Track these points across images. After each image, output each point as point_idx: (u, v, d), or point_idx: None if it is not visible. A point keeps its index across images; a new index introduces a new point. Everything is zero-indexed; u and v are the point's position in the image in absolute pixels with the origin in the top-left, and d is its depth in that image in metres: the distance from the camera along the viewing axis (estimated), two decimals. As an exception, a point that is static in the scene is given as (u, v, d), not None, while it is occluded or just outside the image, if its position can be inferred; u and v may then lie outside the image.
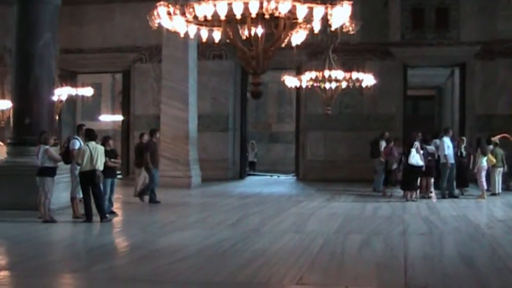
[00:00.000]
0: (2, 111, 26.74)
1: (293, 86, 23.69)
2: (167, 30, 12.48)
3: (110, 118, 37.70)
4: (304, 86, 22.65)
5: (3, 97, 26.24)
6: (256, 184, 25.58)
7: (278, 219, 15.50)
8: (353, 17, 12.04)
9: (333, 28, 11.84)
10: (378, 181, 21.65)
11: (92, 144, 14.63)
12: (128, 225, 14.98)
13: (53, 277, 9.41)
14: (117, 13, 28.37)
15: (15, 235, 12.91)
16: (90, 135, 14.98)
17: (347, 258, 10.71)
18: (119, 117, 33.18)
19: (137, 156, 19.19)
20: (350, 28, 12.15)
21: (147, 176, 18.38)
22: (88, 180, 14.59)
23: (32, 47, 17.09)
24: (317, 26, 11.73)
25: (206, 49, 25.35)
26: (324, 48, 21.82)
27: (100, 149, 14.76)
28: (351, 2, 11.57)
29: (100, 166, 14.59)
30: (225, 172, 26.62)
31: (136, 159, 19.46)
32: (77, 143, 15.26)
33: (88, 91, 28.05)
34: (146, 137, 19.00)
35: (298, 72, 24.58)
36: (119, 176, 18.55)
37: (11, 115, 18.70)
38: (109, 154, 15.46)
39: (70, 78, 28.43)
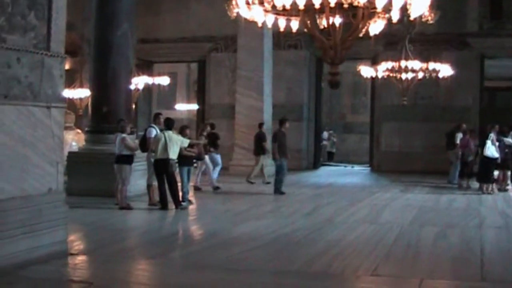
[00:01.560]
0: (81, 99, 27.20)
1: (368, 77, 23.53)
2: (245, 19, 12.51)
3: (185, 107, 37.99)
4: (380, 76, 22.47)
5: (82, 86, 26.70)
6: (330, 174, 25.51)
7: (352, 209, 15.44)
8: (432, 6, 11.88)
9: (412, 18, 11.71)
10: (453, 173, 21.35)
11: (169, 133, 14.78)
12: (202, 213, 15.10)
13: (130, 263, 9.54)
14: (193, 3, 28.52)
15: (93, 221, 13.13)
16: (168, 124, 15.14)
17: (422, 250, 10.61)
18: (194, 106, 33.41)
19: (255, 145, 20.46)
20: (429, 18, 12.00)
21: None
22: (161, 168, 14.74)
23: (110, 37, 17.31)
24: (395, 16, 11.60)
25: (281, 39, 25.36)
26: (400, 38, 21.59)
27: (176, 138, 14.89)
28: (431, -9, 11.44)
29: (173, 155, 14.73)
30: (299, 162, 26.55)
31: (255, 147, 20.67)
32: (153, 131, 15.42)
33: (164, 80, 28.31)
34: (265, 127, 20.63)
35: (374, 62, 24.42)
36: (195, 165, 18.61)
37: (89, 103, 19.00)
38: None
39: (146, 68, 28.78)
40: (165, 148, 14.58)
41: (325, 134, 33.54)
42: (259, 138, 20.73)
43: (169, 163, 14.63)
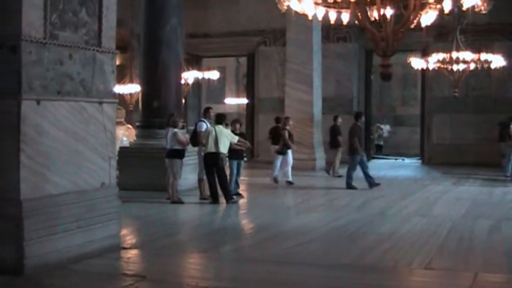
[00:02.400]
0: (131, 94, 27.39)
1: (419, 68, 23.33)
2: (295, 12, 12.49)
3: (234, 101, 38.11)
4: (431, 68, 22.26)
5: (132, 81, 26.88)
6: (381, 167, 25.35)
7: (404, 202, 15.33)
8: (485, -4, 11.75)
9: (464, 8, 11.57)
10: (506, 166, 21.06)
11: (219, 127, 14.81)
12: (253, 207, 15.10)
13: (182, 256, 9.60)
14: (242, -3, 28.59)
15: (145, 215, 13.23)
16: (218, 119, 15.17)
17: (476, 244, 10.49)
18: (243, 100, 33.48)
19: (332, 138, 20.90)
20: (482, 8, 11.85)
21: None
22: (211, 162, 14.78)
23: (159, 32, 17.39)
24: (447, 6, 11.47)
25: (330, 31, 25.27)
26: (451, 29, 21.36)
27: (226, 132, 14.92)
28: (484, -19, 11.30)
29: (223, 149, 14.76)
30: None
31: (331, 140, 21.10)
32: (204, 126, 15.46)
33: (214, 75, 28.39)
34: (340, 120, 20.77)
35: (424, 54, 24.21)
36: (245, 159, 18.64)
37: (139, 98, 19.13)
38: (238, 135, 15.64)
39: (195, 62, 28.92)
40: (216, 142, 14.61)
41: (387, 127, 33.62)
42: (335, 131, 20.95)
43: (219, 156, 14.65)
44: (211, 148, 14.67)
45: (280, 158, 18.61)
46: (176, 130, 14.94)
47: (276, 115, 21.46)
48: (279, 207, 14.80)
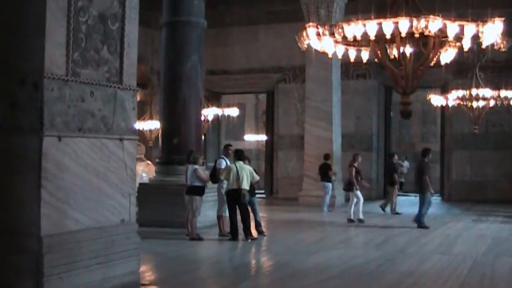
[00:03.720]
0: (151, 131, 27.50)
1: (438, 105, 23.33)
2: (315, 50, 12.57)
3: (254, 138, 38.16)
4: (450, 105, 22.25)
5: (151, 118, 27.01)
6: (401, 203, 25.12)
7: (424, 239, 15.23)
8: (504, 33, 11.76)
9: (484, 46, 11.61)
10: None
11: (240, 163, 14.84)
12: (273, 244, 15.01)
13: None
14: (261, 34, 28.75)
15: (164, 251, 13.20)
16: (238, 155, 15.20)
17: (498, 282, 10.39)
18: (263, 137, 33.53)
19: (387, 175, 20.95)
20: (502, 45, 11.87)
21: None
22: (234, 199, 14.77)
23: (180, 68, 17.50)
24: (467, 44, 11.50)
25: (350, 68, 25.34)
26: (470, 66, 21.37)
27: (247, 168, 14.95)
28: (503, 19, 11.31)
29: (245, 185, 14.76)
30: (368, 192, 26.38)
31: (387, 178, 21.25)
32: (223, 163, 15.50)
33: (233, 111, 28.48)
34: (396, 157, 21.10)
35: (443, 90, 24.21)
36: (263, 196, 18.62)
37: (159, 135, 19.21)
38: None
39: (215, 99, 29.03)
40: (237, 178, 14.62)
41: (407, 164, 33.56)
42: (391, 169, 21.17)
43: (241, 193, 14.66)
44: (232, 184, 14.68)
45: (356, 196, 18.67)
46: (196, 166, 14.97)
47: (296, 151, 21.72)
48: (298, 244, 14.69)
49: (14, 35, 8.02)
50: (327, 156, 21.70)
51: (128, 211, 9.24)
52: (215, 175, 15.49)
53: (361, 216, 18.48)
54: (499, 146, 25.79)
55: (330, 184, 21.77)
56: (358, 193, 18.58)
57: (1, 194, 8.02)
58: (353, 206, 18.59)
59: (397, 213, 20.54)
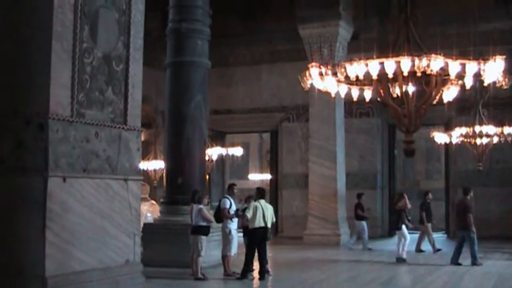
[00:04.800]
0: (155, 170, 27.48)
1: (442, 143, 23.35)
2: (318, 90, 12.63)
3: (258, 177, 38.12)
4: (454, 142, 22.29)
5: (156, 158, 27.01)
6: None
7: (430, 277, 15.16)
8: (505, 71, 11.81)
9: (485, 84, 11.67)
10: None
11: (263, 202, 14.89)
12: (278, 283, 14.93)
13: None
14: (264, 74, 28.85)
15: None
16: (261, 193, 15.26)
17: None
18: (267, 176, 33.50)
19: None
20: (503, 83, 11.93)
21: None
22: (261, 236, 14.78)
23: (184, 108, 17.56)
24: (469, 82, 11.57)
25: (353, 107, 25.40)
26: (473, 103, 21.43)
27: (269, 206, 15.01)
28: (504, 57, 11.37)
29: (270, 223, 14.83)
30: (374, 230, 26.26)
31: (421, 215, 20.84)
32: (228, 202, 15.48)
33: (237, 151, 28.49)
34: (430, 195, 20.87)
35: (447, 127, 24.24)
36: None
37: (164, 174, 19.21)
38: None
39: (219, 138, 29.06)
40: (263, 216, 14.66)
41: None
42: (425, 206, 21.06)
43: (268, 230, 14.71)
44: (259, 222, 14.66)
45: (403, 235, 18.66)
46: (201, 206, 14.97)
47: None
48: (303, 283, 14.61)
49: (20, 76, 8.10)
50: (359, 195, 21.99)
51: (133, 251, 9.25)
52: (219, 215, 15.47)
53: (404, 255, 18.46)
54: (503, 183, 25.73)
55: (364, 223, 21.83)
56: (405, 231, 18.56)
57: (6, 234, 8.03)
58: (401, 245, 18.56)
59: (439, 250, 20.48)
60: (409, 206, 19.16)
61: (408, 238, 18.57)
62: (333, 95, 12.92)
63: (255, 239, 14.80)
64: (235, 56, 29.03)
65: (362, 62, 11.18)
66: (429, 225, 20.96)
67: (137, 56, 9.26)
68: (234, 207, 15.42)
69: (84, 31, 8.33)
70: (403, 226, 18.57)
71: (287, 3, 26.00)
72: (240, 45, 28.75)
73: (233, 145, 29.51)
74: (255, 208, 14.74)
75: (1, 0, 8.04)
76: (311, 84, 12.37)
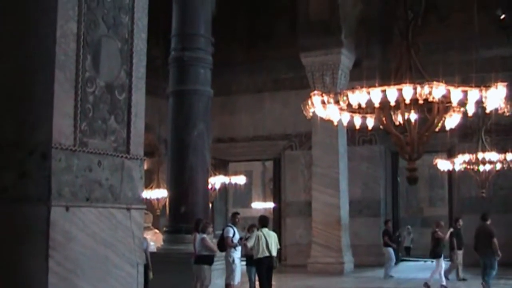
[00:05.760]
0: (158, 199, 27.47)
1: (445, 170, 23.34)
2: (320, 118, 12.65)
3: (261, 205, 38.07)
4: (457, 169, 22.28)
5: (159, 186, 27.01)
6: (411, 269, 25.08)
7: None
8: (507, 98, 11.83)
9: (488, 111, 11.68)
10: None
11: (265, 230, 14.88)
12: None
13: None
14: (267, 102, 28.94)
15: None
16: (263, 222, 15.26)
17: None
18: (270, 204, 33.46)
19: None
20: (506, 110, 11.93)
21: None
22: (267, 265, 14.76)
23: (187, 137, 17.58)
24: (471, 110, 11.58)
25: (355, 134, 25.42)
26: (475, 129, 21.44)
27: (272, 234, 14.99)
28: (505, 84, 11.39)
29: (274, 251, 14.80)
30: (378, 257, 26.17)
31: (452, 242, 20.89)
32: (231, 231, 15.46)
33: (240, 179, 28.47)
34: (460, 222, 21.11)
35: (450, 154, 24.24)
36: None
37: (166, 203, 19.21)
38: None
39: (222, 167, 29.08)
40: (267, 245, 14.63)
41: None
42: (457, 234, 21.04)
43: (273, 258, 14.70)
44: (263, 252, 14.67)
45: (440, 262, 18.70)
46: (204, 235, 14.94)
47: (303, 218, 21.80)
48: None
49: (23, 106, 8.11)
50: (386, 222, 22.55)
51: (136, 281, 9.19)
52: (223, 244, 15.45)
53: (444, 283, 18.66)
54: (507, 209, 25.67)
55: (391, 249, 21.78)
56: (441, 259, 18.59)
57: (8, 264, 8.01)
58: (442, 272, 18.61)
59: (464, 279, 20.56)
60: (446, 237, 19.22)
61: (444, 266, 18.60)
62: (335, 123, 12.92)
63: (260, 268, 14.78)
64: (238, 84, 29.14)
65: (364, 90, 11.21)
66: (460, 252, 20.88)
67: (139, 85, 9.28)
68: (237, 236, 15.41)
69: (87, 61, 8.35)
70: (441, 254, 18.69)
71: (289, 31, 26.17)
72: (243, 73, 28.88)
73: (236, 173, 29.50)
74: (258, 238, 14.72)
75: (7, 31, 8.09)
76: (314, 112, 12.39)
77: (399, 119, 11.78)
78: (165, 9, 18.30)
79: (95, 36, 8.49)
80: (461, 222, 21.30)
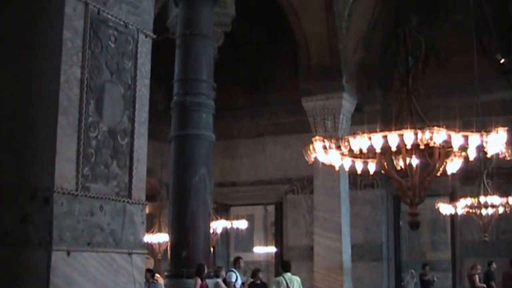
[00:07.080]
0: (159, 243, 27.39)
1: (447, 214, 23.30)
2: (321, 162, 12.68)
3: (263, 250, 37.94)
4: (459, 213, 22.23)
5: (160, 230, 26.94)
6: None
7: None
8: (508, 143, 11.87)
9: (489, 155, 11.72)
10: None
11: (288, 275, 14.80)
12: None
13: None
14: (268, 146, 28.96)
15: None
16: (285, 267, 15.19)
17: None
18: (272, 249, 33.34)
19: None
20: (507, 154, 11.97)
21: None
22: None
23: (188, 181, 17.54)
24: (472, 154, 11.62)
25: (357, 178, 25.40)
26: (477, 173, 21.43)
27: (294, 278, 14.90)
28: (506, 129, 11.44)
29: None
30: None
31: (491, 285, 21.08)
32: (234, 276, 15.44)
33: (242, 224, 28.39)
34: (479, 267, 21.35)
35: (452, 198, 24.18)
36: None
37: (168, 247, 19.14)
38: (259, 287, 15.52)
39: (223, 211, 29.01)
40: None
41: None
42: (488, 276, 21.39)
43: None
44: None
45: None
46: (218, 280, 14.88)
47: (306, 263, 21.77)
48: None
49: (25, 150, 8.13)
50: (424, 266, 23.18)
51: (137, 326, 9.15)
52: (226, 289, 15.41)
53: None
54: (510, 253, 25.56)
55: None
56: None
57: (9, 310, 7.98)
58: None
59: None
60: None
61: None
62: (337, 168, 12.96)
63: None
64: (239, 128, 29.21)
65: (366, 135, 11.26)
66: None
67: (142, 130, 9.31)
68: (239, 281, 15.37)
69: (90, 106, 8.39)
70: None
71: (291, 75, 26.29)
72: (244, 117, 28.97)
73: (237, 217, 29.42)
74: (278, 284, 14.63)
75: (11, 76, 8.14)
76: (315, 158, 12.43)
77: (400, 164, 11.82)
78: (168, 55, 18.40)
79: (98, 81, 8.54)
80: (494, 265, 21.31)
